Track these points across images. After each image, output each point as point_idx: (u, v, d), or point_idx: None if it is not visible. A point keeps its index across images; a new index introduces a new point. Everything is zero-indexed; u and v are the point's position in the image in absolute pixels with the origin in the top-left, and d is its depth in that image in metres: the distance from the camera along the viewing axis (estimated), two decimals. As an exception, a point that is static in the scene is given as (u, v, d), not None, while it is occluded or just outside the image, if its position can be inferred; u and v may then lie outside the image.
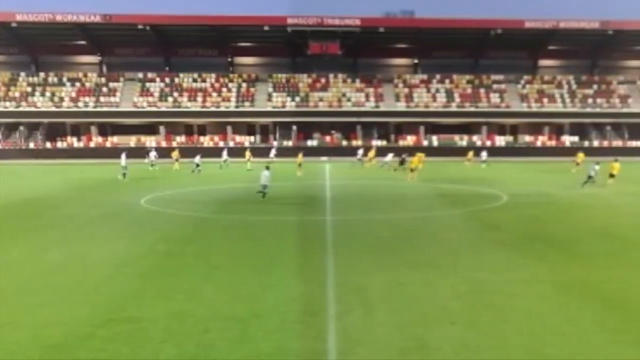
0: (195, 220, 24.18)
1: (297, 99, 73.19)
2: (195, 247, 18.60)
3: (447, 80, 76.27)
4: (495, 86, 75.76)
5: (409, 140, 72.11)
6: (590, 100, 73.78)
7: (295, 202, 29.99)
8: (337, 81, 76.00)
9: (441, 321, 11.76)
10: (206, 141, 71.84)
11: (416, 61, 78.79)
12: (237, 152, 61.22)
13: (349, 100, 73.26)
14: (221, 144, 69.91)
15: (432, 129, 73.52)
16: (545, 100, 73.79)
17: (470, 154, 59.27)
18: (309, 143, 70.90)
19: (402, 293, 13.59)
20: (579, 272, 15.46)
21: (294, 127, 71.91)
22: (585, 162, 47.19)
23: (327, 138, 72.87)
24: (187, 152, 57.99)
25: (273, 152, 60.47)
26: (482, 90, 74.94)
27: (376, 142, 69.76)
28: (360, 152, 57.72)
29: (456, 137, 73.02)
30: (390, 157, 52.19)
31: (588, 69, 79.06)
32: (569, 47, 77.02)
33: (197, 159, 47.89)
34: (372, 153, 57.20)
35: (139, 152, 60.02)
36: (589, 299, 13.24)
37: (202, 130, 74.20)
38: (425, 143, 70.78)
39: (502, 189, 34.23)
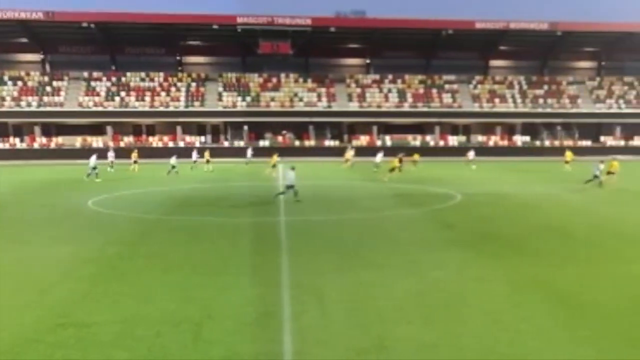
0: (147, 222, 23.81)
1: (248, 98, 72.90)
2: (146, 250, 18.32)
3: (399, 81, 77.01)
4: (447, 86, 76.83)
5: (362, 140, 72.57)
6: (540, 101, 75.46)
7: (248, 203, 29.81)
8: (289, 81, 75.98)
9: (398, 321, 11.83)
10: (155, 141, 70.93)
11: (368, 61, 79.38)
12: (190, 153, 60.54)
13: (301, 100, 73.32)
14: (171, 144, 69.19)
15: (385, 129, 74.16)
16: (496, 100, 75.16)
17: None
18: (261, 143, 70.71)
19: (358, 293, 13.63)
20: (532, 270, 15.74)
21: (245, 127, 71.62)
22: (575, 160, 48.36)
23: (279, 138, 72.78)
24: (149, 152, 57.09)
25: (250, 152, 60.42)
26: (434, 91, 75.91)
27: (347, 142, 69.97)
28: (352, 152, 58.28)
29: (409, 137, 73.79)
30: (380, 157, 51.83)
31: (538, 70, 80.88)
32: (520, 47, 78.66)
33: (174, 159, 46.55)
34: (349, 154, 57.20)
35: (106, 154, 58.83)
36: (543, 296, 13.49)
37: (151, 131, 73.25)
38: (378, 143, 71.31)
39: (456, 189, 34.70)
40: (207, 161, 51.65)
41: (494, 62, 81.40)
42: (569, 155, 51.56)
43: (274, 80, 75.85)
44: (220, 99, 72.69)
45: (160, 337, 10.85)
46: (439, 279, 14.85)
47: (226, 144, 70.27)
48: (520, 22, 73.46)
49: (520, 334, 11.13)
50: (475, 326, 11.56)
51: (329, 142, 71.37)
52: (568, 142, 73.09)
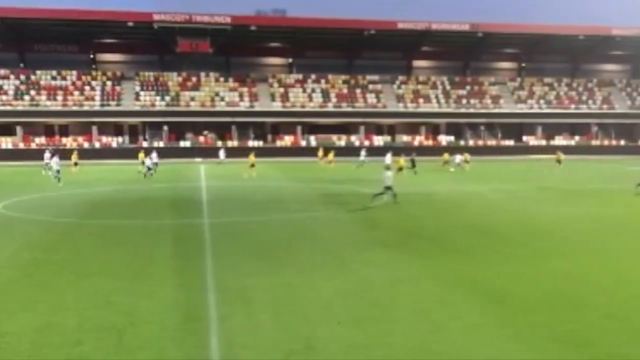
0: (64, 226, 23.12)
1: (167, 98, 71.83)
2: (62, 255, 17.75)
3: (322, 81, 77.49)
4: (371, 86, 77.80)
5: (287, 140, 72.65)
6: (464, 101, 77.42)
7: (170, 204, 29.41)
8: (209, 80, 75.30)
9: (327, 321, 11.84)
10: (69, 142, 68.89)
11: (290, 61, 79.55)
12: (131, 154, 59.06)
13: (222, 99, 72.78)
14: (86, 145, 67.37)
15: (310, 129, 74.45)
16: (420, 100, 76.64)
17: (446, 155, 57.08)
18: (182, 144, 69.82)
19: (285, 295, 13.59)
20: (460, 268, 16.09)
21: (165, 128, 70.53)
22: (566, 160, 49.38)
23: (201, 138, 72.02)
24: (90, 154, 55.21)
25: (222, 153, 59.96)
26: (358, 91, 76.74)
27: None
28: (363, 152, 58.65)
29: (334, 137, 74.34)
30: (389, 157, 51.35)
31: (461, 70, 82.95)
32: (442, 48, 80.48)
33: (149, 161, 44.14)
34: (331, 155, 57.30)
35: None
36: (472, 294, 13.80)
37: (65, 131, 71.17)
38: (303, 143, 71.53)
39: (382, 188, 34.99)
40: (142, 162, 50.11)
41: (417, 63, 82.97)
42: (559, 155, 51.63)
43: (194, 79, 75.01)
44: (137, 99, 71.33)
45: (80, 345, 10.51)
46: (368, 279, 14.98)
47: (145, 144, 69.00)
48: (441, 22, 75.22)
49: (451, 332, 11.32)
50: (405, 325, 11.69)
51: (252, 143, 71.09)
52: (491, 142, 75.23)
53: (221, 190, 35.50)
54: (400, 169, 43.15)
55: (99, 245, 19.30)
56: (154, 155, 47.29)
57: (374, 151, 66.21)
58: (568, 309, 12.74)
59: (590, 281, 14.94)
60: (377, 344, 10.73)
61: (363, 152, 58.99)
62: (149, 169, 43.55)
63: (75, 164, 49.02)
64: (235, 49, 76.06)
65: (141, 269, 15.89)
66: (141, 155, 49.70)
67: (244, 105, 72.67)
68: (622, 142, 78.51)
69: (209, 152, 66.63)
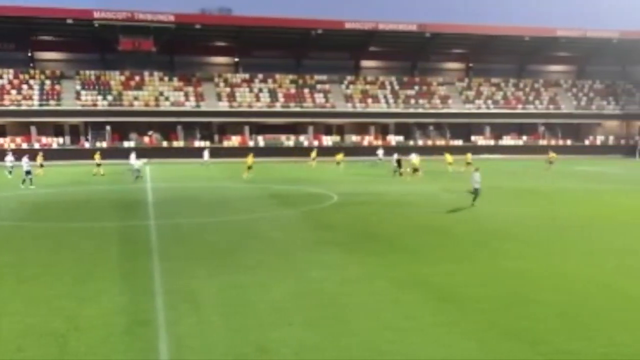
0: (3, 229, 22.55)
1: (110, 97, 70.66)
2: (2, 259, 17.30)
3: (270, 80, 77.33)
4: (319, 86, 77.97)
5: (234, 140, 72.28)
6: (412, 101, 78.23)
7: (114, 206, 28.94)
8: (153, 79, 74.37)
9: (278, 323, 11.83)
10: (7, 143, 67.08)
11: (237, 60, 79.16)
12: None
13: (167, 99, 71.97)
14: (24, 145, 65.72)
15: (258, 129, 74.22)
16: (369, 100, 77.15)
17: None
18: (126, 144, 68.72)
19: (236, 297, 13.53)
20: (412, 268, 16.25)
21: (108, 128, 69.35)
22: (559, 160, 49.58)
23: (146, 139, 71.06)
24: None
25: (206, 154, 59.48)
26: (306, 91, 76.82)
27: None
28: (381, 152, 59.09)
29: (283, 137, 74.27)
30: (381, 154, 51.57)
31: (409, 71, 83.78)
32: (390, 48, 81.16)
33: (138, 162, 42.45)
34: (314, 153, 57.81)
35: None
36: (424, 293, 13.96)
37: (1, 131, 69.26)
38: (251, 144, 71.27)
39: (332, 189, 35.28)
40: (98, 165, 48.86)
41: (365, 63, 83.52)
42: (552, 155, 51.51)
43: (137, 78, 73.96)
44: (78, 98, 69.94)
45: (21, 352, 10.26)
46: (319, 280, 15.01)
47: (87, 145, 67.71)
48: (389, 23, 75.86)
49: (403, 331, 11.43)
50: (357, 325, 11.74)
51: (198, 143, 70.46)
52: (440, 142, 76.21)
53: (168, 192, 35.10)
54: (416, 170, 43.00)
55: (41, 248, 18.87)
56: (133, 156, 46.45)
57: (323, 151, 66.42)
58: (519, 307, 12.99)
59: (542, 280, 15.26)
60: (329, 345, 10.76)
61: (380, 152, 60.61)
62: (138, 171, 41.79)
63: (41, 165, 47.91)
64: (179, 47, 75.28)
65: (85, 273, 15.57)
66: (97, 156, 48.68)
67: (189, 105, 71.95)
68: (569, 142, 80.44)
69: (154, 153, 65.88)
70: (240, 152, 65.90)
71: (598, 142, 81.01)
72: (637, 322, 12.01)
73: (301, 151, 66.57)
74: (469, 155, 52.10)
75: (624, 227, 23.57)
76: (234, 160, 61.48)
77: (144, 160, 44.85)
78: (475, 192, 29.06)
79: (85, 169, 51.29)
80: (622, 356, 10.33)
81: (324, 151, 66.99)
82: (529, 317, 12.31)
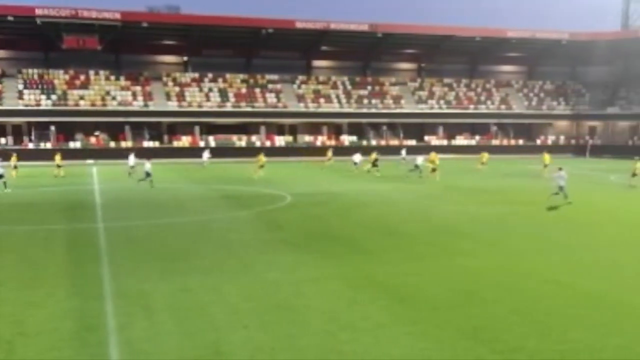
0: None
1: (54, 97, 69.25)
2: (-61, 265, 16.81)
3: (220, 80, 76.84)
4: (270, 86, 77.79)
5: (184, 141, 71.60)
6: (365, 101, 78.64)
7: (61, 209, 28.39)
8: (99, 78, 73.18)
9: (233, 326, 11.80)
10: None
11: (186, 59, 78.46)
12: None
13: (114, 99, 70.88)
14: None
15: (208, 129, 73.66)
16: (321, 100, 77.28)
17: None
18: (72, 145, 67.41)
19: (189, 300, 13.44)
20: (366, 268, 16.37)
21: (52, 128, 67.94)
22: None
23: (92, 139, 69.88)
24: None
25: (207, 154, 58.95)
26: (257, 90, 76.56)
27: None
28: (404, 151, 60.04)
29: (234, 138, 73.84)
30: (358, 156, 51.88)
31: (361, 71, 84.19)
32: (342, 48, 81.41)
33: (148, 164, 39.21)
34: (330, 153, 58.03)
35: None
36: (379, 293, 14.07)
37: (-60, 132, 67.35)
38: (201, 144, 70.69)
39: (285, 189, 35.25)
40: (58, 165, 47.62)
41: (317, 63, 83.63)
42: (547, 158, 49.69)
43: (82, 77, 72.66)
44: (21, 97, 68.36)
45: (-37, 360, 10.00)
46: (273, 281, 15.01)
47: (31, 145, 66.28)
48: (340, 22, 76.08)
49: (359, 332, 11.50)
50: (313, 326, 11.79)
51: (147, 143, 69.59)
52: (394, 142, 76.74)
53: (116, 193, 34.58)
54: (434, 169, 42.90)
55: (-19, 253, 18.40)
56: (132, 157, 45.85)
57: (274, 152, 66.26)
58: (474, 305, 13.20)
59: (495, 278, 15.53)
60: (285, 347, 10.78)
61: (404, 151, 61.43)
62: (148, 174, 38.45)
63: (15, 167, 46.58)
64: (126, 46, 74.19)
65: (31, 277, 15.27)
66: (57, 157, 47.59)
67: (137, 105, 70.96)
68: (521, 142, 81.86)
69: (102, 154, 64.82)
70: (191, 152, 65.45)
71: (549, 142, 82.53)
72: (589, 318, 12.33)
73: (252, 151, 66.23)
74: (486, 155, 53.42)
75: (574, 223, 24.18)
76: (185, 160, 61.00)
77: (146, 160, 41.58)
78: (561, 190, 29.70)
79: (41, 170, 50.17)
80: (576, 352, 10.58)
81: (275, 151, 66.95)
82: (484, 315, 12.53)
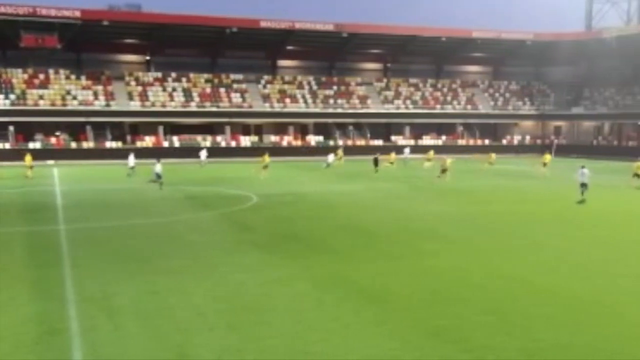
0: None
1: (12, 96, 68.10)
2: None
3: (184, 79, 76.27)
4: (235, 86, 77.47)
5: (148, 141, 70.92)
6: (331, 101, 78.76)
7: (20, 210, 28.01)
8: (59, 77, 72.16)
9: (199, 328, 11.79)
10: None
11: (148, 58, 77.77)
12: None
13: (74, 98, 69.95)
14: None
15: (172, 129, 73.08)
16: (287, 100, 77.21)
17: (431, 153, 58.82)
18: (31, 145, 66.31)
19: (154, 302, 13.39)
20: (334, 268, 16.45)
21: (11, 128, 66.84)
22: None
23: (53, 140, 68.90)
24: None
25: (204, 154, 58.72)
26: (222, 90, 76.19)
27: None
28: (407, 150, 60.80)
29: (199, 138, 73.34)
30: (331, 157, 53.66)
31: (327, 70, 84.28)
32: (307, 48, 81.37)
33: (158, 166, 38.54)
34: (340, 152, 58.91)
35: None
36: (347, 294, 14.15)
37: None
38: (165, 144, 70.14)
39: (251, 190, 35.11)
40: (30, 167, 46.18)
41: (282, 62, 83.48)
42: (548, 157, 50.78)
43: (42, 76, 71.58)
44: (-23, 97, 67.21)
45: None
46: (240, 282, 15.00)
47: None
48: (305, 22, 76.07)
49: (327, 332, 11.57)
50: (280, 327, 11.82)
51: (110, 144, 68.82)
52: (360, 142, 77.00)
53: (78, 195, 34.10)
54: (444, 170, 42.86)
55: (-63, 257, 18.04)
56: (132, 157, 46.07)
57: (239, 152, 66.06)
58: (443, 305, 13.36)
59: (464, 277, 15.71)
60: (252, 349, 10.81)
61: (407, 150, 62.57)
62: (159, 176, 37.74)
63: (31, 166, 45.69)
64: (87, 44, 73.23)
65: (-10, 281, 15.02)
66: (28, 158, 46.78)
67: (99, 105, 70.13)
68: (487, 142, 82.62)
69: (63, 154, 63.96)
70: (155, 153, 64.80)
71: (515, 142, 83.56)
72: (555, 317, 12.55)
73: (218, 152, 65.95)
74: (494, 155, 55.47)
75: (542, 223, 24.59)
76: (149, 161, 60.40)
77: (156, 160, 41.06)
78: (584, 187, 30.82)
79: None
80: (542, 351, 10.77)
81: (240, 152, 66.75)
82: (453, 314, 12.69)
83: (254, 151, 61.13)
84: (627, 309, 13.18)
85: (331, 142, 75.48)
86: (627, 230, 23.27)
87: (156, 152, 65.24)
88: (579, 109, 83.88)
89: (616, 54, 78.14)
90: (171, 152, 64.65)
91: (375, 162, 49.31)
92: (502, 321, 12.24)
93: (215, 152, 64.05)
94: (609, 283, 15.33)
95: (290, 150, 72.81)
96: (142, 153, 61.02)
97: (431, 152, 58.88)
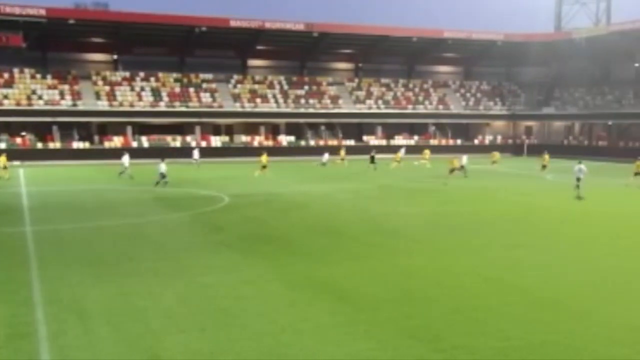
0: None
1: (-24, 96, 67.24)
2: None
3: (152, 79, 75.75)
4: (205, 85, 77.14)
5: (116, 141, 70.30)
6: (302, 101, 78.77)
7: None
8: (24, 77, 71.28)
9: (170, 331, 11.73)
10: None
11: (116, 57, 77.12)
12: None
13: (40, 98, 69.15)
14: None
15: (141, 129, 72.53)
16: (258, 100, 77.05)
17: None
18: (-5, 145, 65.52)
19: (124, 305, 13.29)
20: (305, 269, 16.50)
21: (-24, 128, 65.98)
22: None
23: (18, 140, 68.00)
24: None
25: (196, 153, 58.47)
26: (191, 90, 75.80)
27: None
28: (403, 150, 60.55)
29: (168, 138, 72.89)
30: (326, 156, 54.33)
31: (298, 70, 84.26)
32: (278, 47, 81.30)
33: (163, 166, 37.88)
34: (342, 152, 59.04)
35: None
36: (319, 294, 14.19)
37: None
38: (134, 144, 69.60)
39: (222, 190, 34.99)
40: (4, 168, 45.76)
41: (253, 62, 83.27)
42: (547, 158, 51.16)
43: (6, 75, 70.63)
44: (-60, 96, 66.14)
45: None
46: (211, 284, 14.96)
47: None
48: (275, 21, 75.99)
49: (300, 333, 11.58)
50: (252, 329, 11.81)
51: (77, 144, 68.11)
52: (333, 142, 77.11)
53: (45, 196, 33.67)
54: (452, 170, 42.82)
55: None
56: (127, 157, 45.81)
57: (210, 152, 65.81)
58: (415, 305, 13.45)
59: (436, 277, 15.84)
60: (224, 351, 10.79)
61: (402, 150, 61.90)
62: (163, 176, 37.42)
63: (5, 167, 45.00)
64: (52, 43, 72.47)
65: (-46, 285, 14.78)
66: (2, 159, 46.03)
67: (65, 104, 69.39)
68: (459, 142, 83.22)
69: (29, 155, 63.11)
70: (122, 153, 64.29)
71: (487, 142, 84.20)
72: (527, 316, 12.71)
73: (188, 152, 65.55)
74: (497, 154, 56.81)
75: (511, 222, 24.90)
76: (117, 162, 59.88)
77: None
78: (579, 181, 31.69)
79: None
80: (516, 349, 10.90)
81: (211, 152, 66.46)
82: (425, 314, 12.79)
83: (225, 151, 60.96)
84: (598, 307, 13.38)
85: (302, 143, 75.53)
86: (599, 229, 23.66)
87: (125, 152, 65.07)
88: (549, 109, 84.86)
89: (586, 54, 79.16)
90: (140, 153, 64.00)
91: (372, 160, 50.96)
92: (474, 320, 12.35)
93: (186, 153, 63.66)
94: (579, 281, 15.58)
95: (262, 151, 72.57)
96: (110, 153, 60.63)
97: (427, 152, 59.86)
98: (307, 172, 49.03)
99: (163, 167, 37.43)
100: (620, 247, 20.28)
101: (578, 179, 31.88)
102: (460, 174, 44.41)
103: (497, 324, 12.11)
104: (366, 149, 62.38)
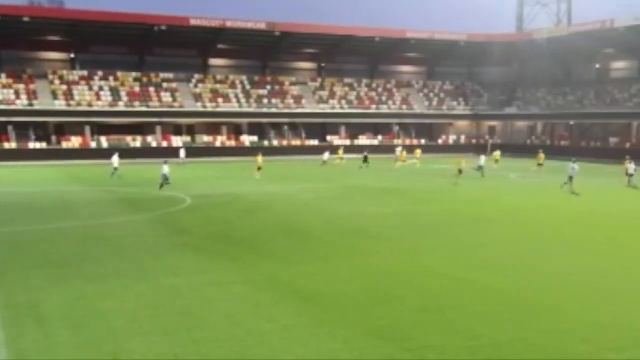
0: None
1: None
2: None
3: (111, 78, 74.93)
4: (165, 85, 76.55)
5: (74, 142, 69.37)
6: (265, 101, 78.60)
7: None
8: (-22, 76, 70.10)
9: (133, 334, 11.61)
10: None
11: (73, 56, 76.13)
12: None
13: (-6, 97, 68.02)
14: None
15: (100, 129, 71.65)
16: (220, 100, 76.69)
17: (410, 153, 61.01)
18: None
19: (85, 308, 13.10)
20: (270, 270, 16.45)
21: None
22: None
23: (-28, 141, 66.77)
24: None
25: (182, 153, 58.88)
26: (151, 89, 75.16)
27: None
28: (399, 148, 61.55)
29: (129, 138, 72.15)
30: (327, 155, 55.42)
31: (260, 70, 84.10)
32: (239, 47, 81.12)
33: (165, 168, 37.27)
34: (341, 152, 59.89)
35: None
36: (285, 295, 14.17)
37: None
38: (93, 145, 68.75)
39: (184, 191, 34.70)
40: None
41: (214, 61, 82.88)
42: (542, 157, 50.28)
43: (-40, 75, 69.44)
44: None
45: None
46: (174, 286, 14.84)
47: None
48: (237, 21, 75.72)
49: (266, 335, 11.53)
50: (217, 331, 11.74)
51: (33, 145, 67.05)
52: (296, 142, 77.09)
53: (0, 197, 33.04)
54: (461, 171, 42.37)
55: None
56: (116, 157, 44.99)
57: (173, 152, 65.36)
58: (382, 304, 13.49)
59: (402, 277, 15.93)
60: (188, 354, 10.70)
61: (399, 150, 62.52)
62: (166, 178, 36.90)
63: None
64: (6, 41, 71.36)
65: None
66: None
67: (21, 104, 68.33)
68: (423, 142, 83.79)
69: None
70: (83, 154, 63.62)
71: (450, 142, 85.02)
72: (496, 314, 12.85)
73: (151, 152, 64.94)
74: (498, 153, 58.03)
75: (477, 221, 25.17)
76: (76, 162, 59.16)
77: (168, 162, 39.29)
78: (571, 180, 32.57)
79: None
80: (483, 348, 10.98)
81: (173, 152, 65.94)
82: (392, 314, 12.83)
83: (187, 151, 60.56)
84: (565, 305, 13.56)
85: (266, 143, 75.36)
86: (570, 229, 24.01)
87: (84, 153, 64.40)
88: (512, 109, 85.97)
89: (547, 55, 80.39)
90: (99, 153, 63.23)
91: (365, 159, 53.34)
92: (441, 319, 12.43)
93: (145, 153, 63.16)
94: (546, 280, 15.75)
95: (224, 151, 72.45)
96: (68, 154, 59.85)
97: (418, 152, 60.84)
98: (272, 171, 48.84)
99: (166, 169, 37.06)
100: (589, 244, 20.61)
101: (570, 177, 32.80)
102: (478, 174, 45.66)
103: (466, 323, 12.18)
104: (331, 150, 62.48)
